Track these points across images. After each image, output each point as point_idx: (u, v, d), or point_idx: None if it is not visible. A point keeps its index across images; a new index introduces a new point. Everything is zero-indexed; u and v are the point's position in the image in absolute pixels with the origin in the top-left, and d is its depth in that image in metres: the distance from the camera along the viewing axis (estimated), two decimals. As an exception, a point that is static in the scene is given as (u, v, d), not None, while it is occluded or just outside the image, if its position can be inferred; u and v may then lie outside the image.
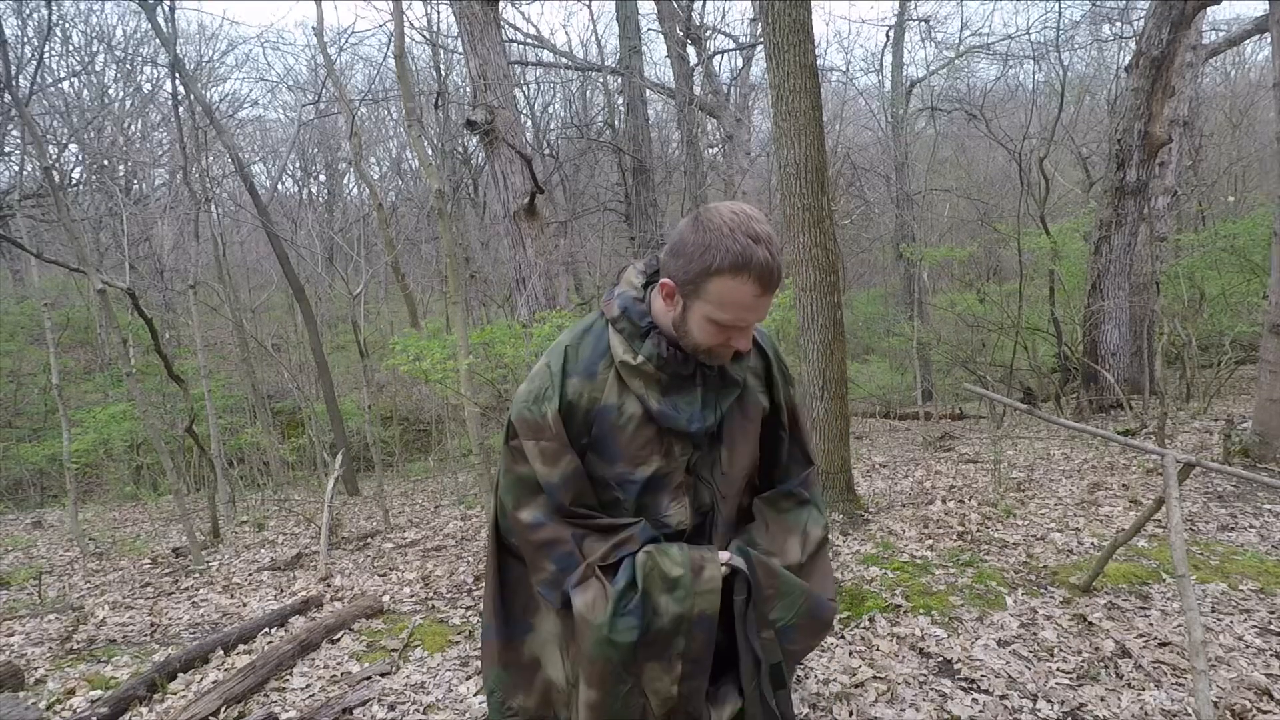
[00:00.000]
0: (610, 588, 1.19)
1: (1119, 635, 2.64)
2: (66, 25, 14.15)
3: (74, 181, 14.77)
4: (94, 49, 15.25)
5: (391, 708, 2.63)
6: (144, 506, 9.07)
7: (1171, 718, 2.16)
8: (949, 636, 2.74)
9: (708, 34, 14.64)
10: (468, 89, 10.55)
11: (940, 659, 2.59)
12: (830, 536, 3.51)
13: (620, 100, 12.76)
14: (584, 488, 1.25)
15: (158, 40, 10.40)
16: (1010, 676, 2.43)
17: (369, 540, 5.82)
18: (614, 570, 1.21)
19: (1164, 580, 3.12)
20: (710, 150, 15.92)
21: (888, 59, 16.20)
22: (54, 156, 12.91)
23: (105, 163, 13.77)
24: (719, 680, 1.31)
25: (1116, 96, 11.90)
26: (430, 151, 13.02)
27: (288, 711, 2.66)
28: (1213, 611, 2.81)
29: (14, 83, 6.77)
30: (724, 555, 1.26)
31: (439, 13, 14.01)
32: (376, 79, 15.78)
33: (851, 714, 2.28)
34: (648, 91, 12.67)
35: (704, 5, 26.22)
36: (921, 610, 2.96)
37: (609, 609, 1.18)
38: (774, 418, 1.42)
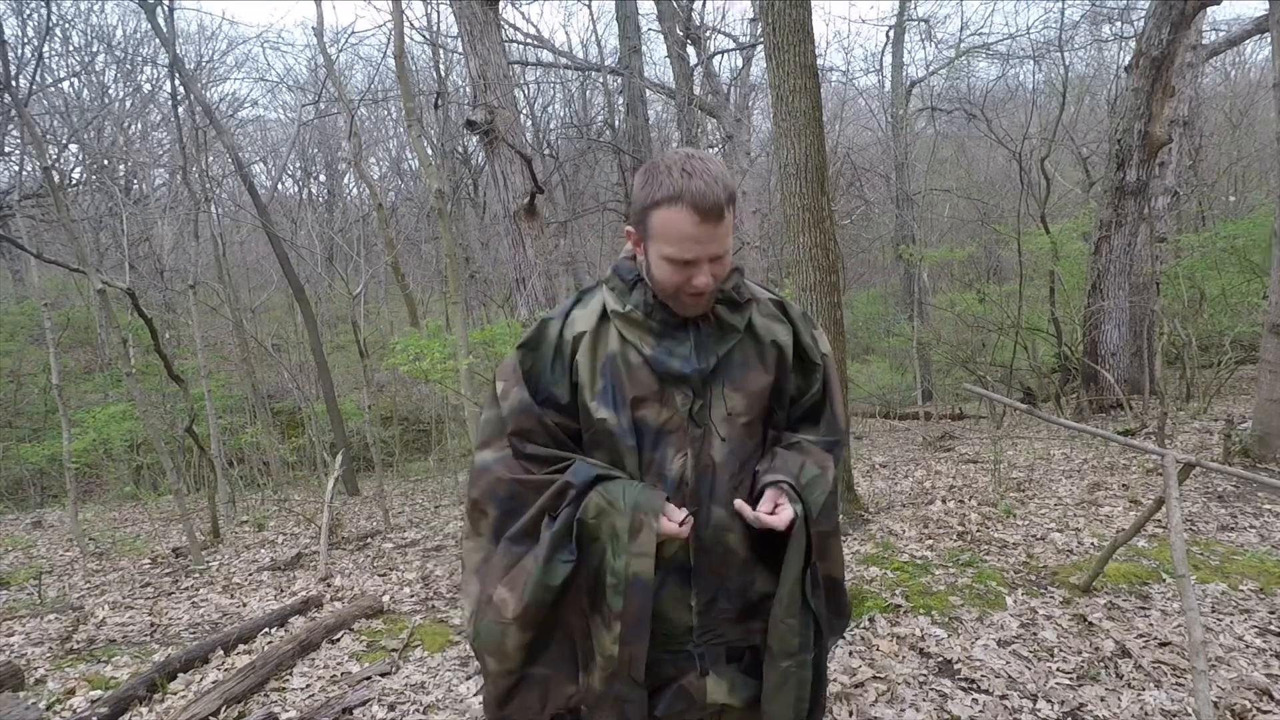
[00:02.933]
0: (546, 531, 1.23)
1: (1119, 635, 2.63)
2: (66, 25, 14.14)
3: (74, 181, 14.76)
4: (94, 49, 15.25)
5: (391, 708, 2.63)
6: (144, 506, 9.06)
7: (1171, 718, 2.16)
8: (949, 636, 2.73)
9: (708, 34, 14.62)
10: (468, 89, 10.55)
11: (940, 659, 2.59)
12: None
13: (620, 100, 12.76)
14: (529, 423, 1.30)
15: (158, 40, 10.40)
16: (1010, 676, 2.43)
17: (369, 540, 5.82)
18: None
19: (1164, 580, 3.12)
20: (710, 150, 15.91)
21: (888, 59, 16.20)
22: (54, 156, 12.91)
23: (105, 163, 13.77)
24: (713, 657, 1.31)
25: (1116, 96, 11.89)
26: (430, 151, 13.02)
27: (288, 711, 2.66)
28: (1213, 611, 2.81)
29: (14, 83, 6.77)
30: (681, 513, 1.24)
31: (439, 13, 14.01)
32: (376, 79, 15.77)
33: (851, 714, 2.28)
34: (648, 91, 12.67)
35: (704, 5, 26.26)
36: (921, 610, 2.96)
37: (544, 553, 1.22)
38: (806, 378, 1.40)
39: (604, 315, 1.32)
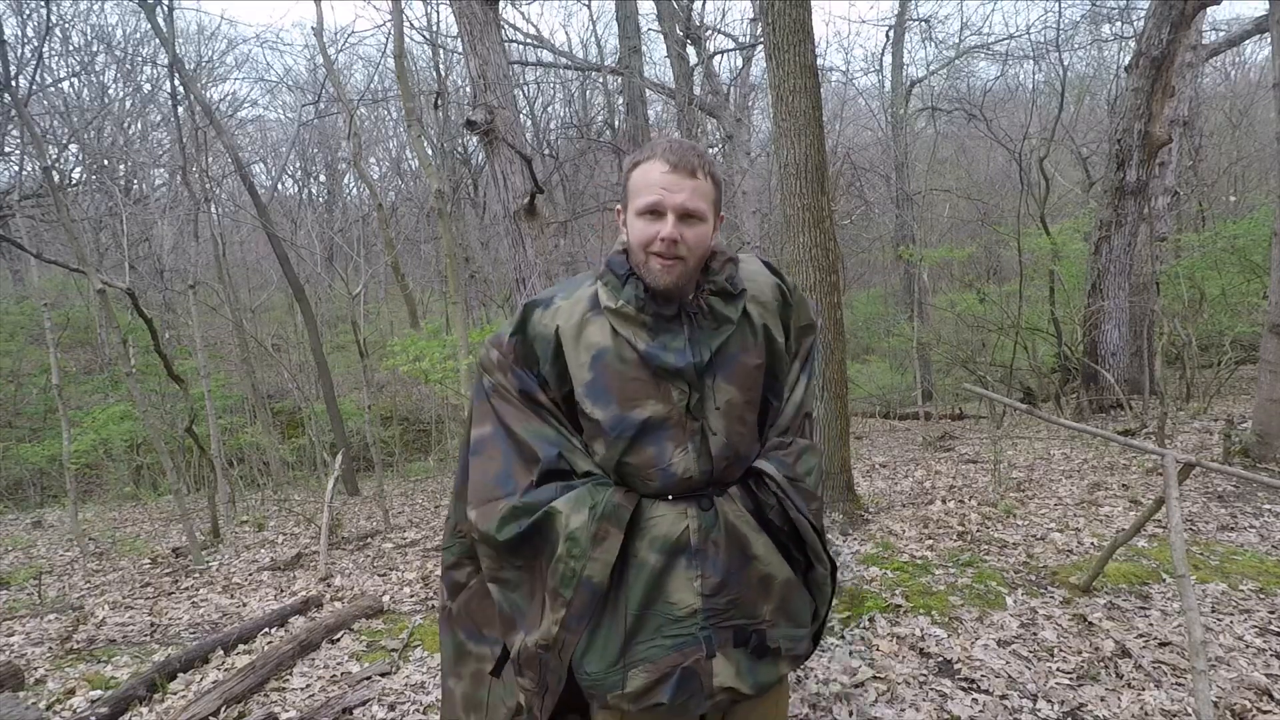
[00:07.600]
0: (505, 501, 1.30)
1: (1119, 635, 2.63)
2: (66, 25, 14.15)
3: (74, 181, 14.76)
4: (94, 49, 15.26)
5: (391, 708, 2.63)
6: (144, 506, 9.06)
7: (1171, 718, 2.16)
8: (949, 636, 2.73)
9: (708, 34, 14.61)
10: (468, 89, 10.54)
11: (940, 659, 2.59)
12: (830, 538, 3.50)
13: (620, 100, 12.75)
14: (513, 389, 1.37)
15: (157, 40, 10.40)
16: (1010, 676, 2.43)
17: (369, 540, 5.82)
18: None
19: (1164, 580, 3.12)
20: (710, 150, 15.91)
21: (888, 59, 16.18)
22: (54, 156, 12.92)
23: (105, 163, 13.77)
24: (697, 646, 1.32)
25: (1116, 96, 11.90)
26: (430, 151, 13.02)
27: (288, 711, 2.66)
28: (1213, 611, 2.81)
29: (14, 83, 6.77)
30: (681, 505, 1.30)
31: (439, 13, 14.03)
32: (376, 79, 15.77)
33: (851, 714, 2.28)
34: (648, 91, 12.66)
35: (704, 5, 26.26)
36: (921, 610, 2.95)
37: (502, 512, 1.29)
38: (785, 354, 1.42)
39: (592, 306, 1.33)
